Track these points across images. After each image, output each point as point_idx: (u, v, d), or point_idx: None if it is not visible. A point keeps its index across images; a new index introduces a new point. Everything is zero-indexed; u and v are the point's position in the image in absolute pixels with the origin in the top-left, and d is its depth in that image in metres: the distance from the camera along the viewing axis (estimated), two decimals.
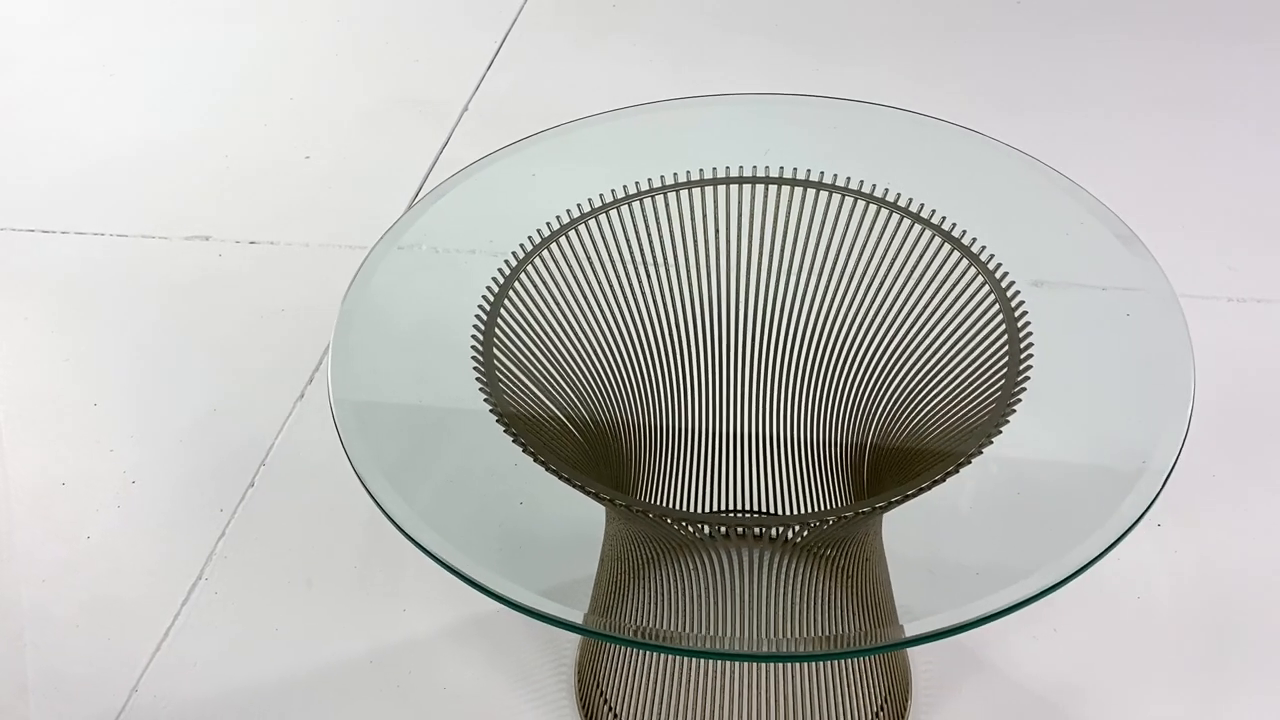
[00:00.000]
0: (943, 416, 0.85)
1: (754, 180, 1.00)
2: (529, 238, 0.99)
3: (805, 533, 0.85)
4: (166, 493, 1.43)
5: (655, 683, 1.03)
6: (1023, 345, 0.83)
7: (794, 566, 1.03)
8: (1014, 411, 0.80)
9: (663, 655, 1.01)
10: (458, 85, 2.16)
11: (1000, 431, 0.79)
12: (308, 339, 1.62)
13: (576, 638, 1.20)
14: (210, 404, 1.54)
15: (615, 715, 1.08)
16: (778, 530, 0.93)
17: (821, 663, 0.98)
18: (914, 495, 0.79)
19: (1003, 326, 0.85)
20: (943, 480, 0.79)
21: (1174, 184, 1.78)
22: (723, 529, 0.96)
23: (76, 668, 1.24)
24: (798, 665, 0.97)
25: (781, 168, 1.01)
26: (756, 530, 0.96)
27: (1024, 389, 0.82)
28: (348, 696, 1.20)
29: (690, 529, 0.86)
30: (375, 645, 1.24)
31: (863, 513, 0.79)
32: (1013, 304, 0.86)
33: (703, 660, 0.98)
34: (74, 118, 2.15)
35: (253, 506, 1.40)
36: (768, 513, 1.08)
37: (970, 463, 0.79)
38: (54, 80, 2.27)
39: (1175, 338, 0.84)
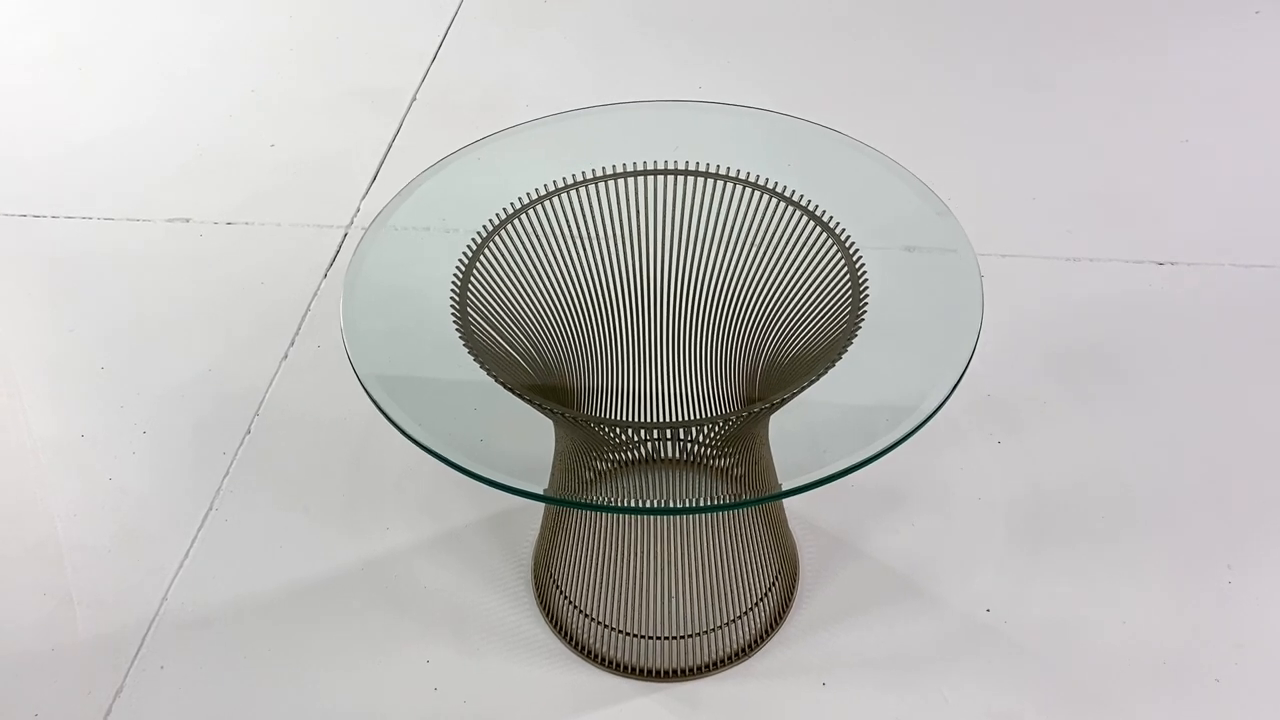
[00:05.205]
0: (805, 345, 1.14)
1: (666, 172, 1.27)
2: (494, 215, 1.24)
3: (708, 431, 1.12)
4: (175, 441, 1.66)
5: (595, 568, 1.31)
6: (860, 294, 1.12)
7: (700, 465, 1.31)
8: (850, 345, 1.09)
9: (602, 544, 1.28)
10: (406, 77, 2.39)
11: (839, 358, 1.08)
12: (287, 306, 1.86)
13: (533, 543, 1.48)
14: (205, 365, 1.78)
15: (565, 596, 1.36)
16: (686, 430, 1.18)
17: (726, 541, 1.27)
18: (787, 400, 1.08)
19: (847, 278, 1.13)
20: (801, 391, 1.07)
21: (1021, 162, 2.09)
22: (638, 431, 1.21)
23: (114, 584, 1.49)
24: (708, 544, 1.26)
25: (687, 161, 1.28)
26: (670, 431, 1.23)
27: (859, 329, 1.11)
28: (345, 596, 1.45)
29: (615, 433, 1.13)
30: (365, 557, 1.50)
31: (741, 418, 1.08)
32: (855, 261, 1.15)
33: (632, 544, 1.26)
34: (48, 111, 2.34)
35: (252, 449, 1.64)
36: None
37: (824, 374, 1.07)
38: (27, 75, 2.45)
39: (972, 289, 1.13)
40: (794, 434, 1.22)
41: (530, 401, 1.08)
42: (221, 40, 2.53)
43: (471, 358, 1.13)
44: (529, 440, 1.24)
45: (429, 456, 1.32)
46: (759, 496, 1.17)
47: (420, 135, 2.23)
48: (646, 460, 1.38)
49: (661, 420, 1.34)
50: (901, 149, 1.47)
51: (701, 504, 1.03)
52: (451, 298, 1.18)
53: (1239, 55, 2.31)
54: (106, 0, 2.66)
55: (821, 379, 1.10)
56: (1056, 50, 2.36)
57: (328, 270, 1.93)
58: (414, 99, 2.33)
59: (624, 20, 2.52)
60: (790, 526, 1.47)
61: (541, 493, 1.04)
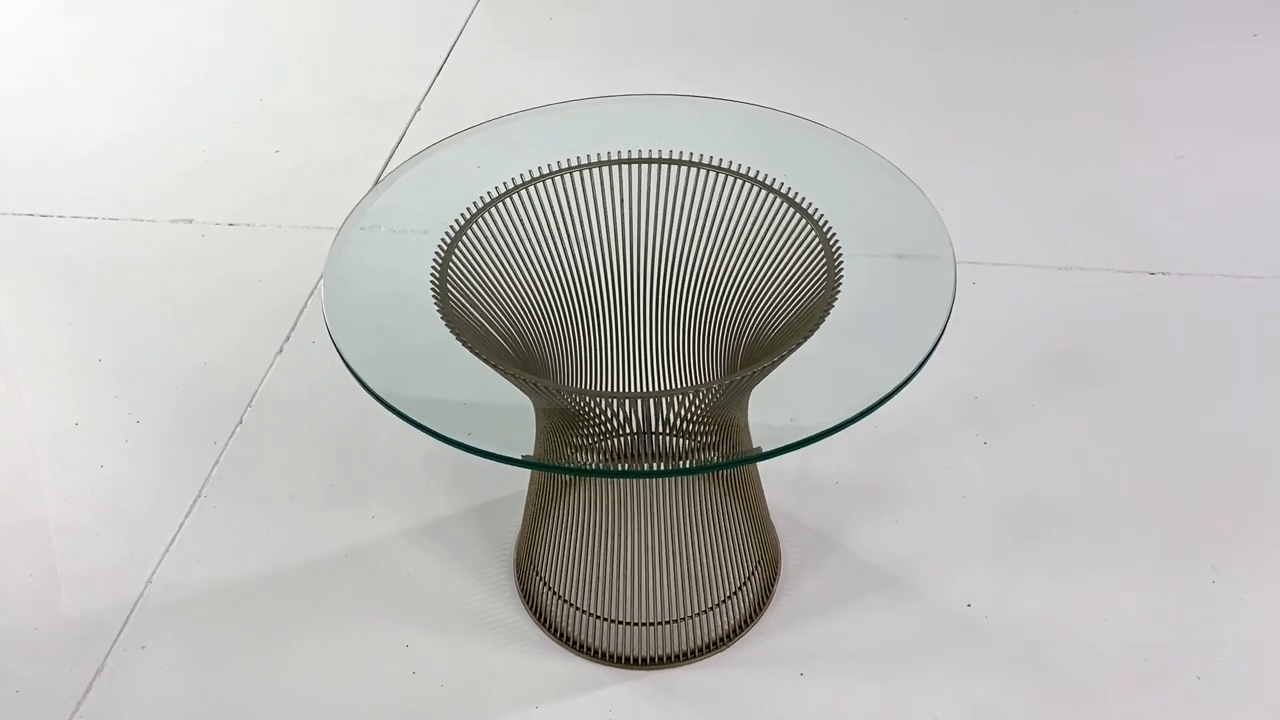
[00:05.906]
0: (783, 325, 1.16)
1: (651, 161, 1.29)
2: (478, 199, 1.26)
3: (682, 402, 1.13)
4: (167, 430, 1.68)
5: (575, 553, 1.31)
6: (836, 276, 1.13)
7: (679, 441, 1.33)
8: (823, 320, 1.10)
9: (581, 528, 1.29)
10: (411, 88, 2.43)
11: (811, 335, 1.09)
12: (284, 304, 1.89)
13: (516, 533, 1.48)
14: (201, 358, 1.80)
15: (545, 582, 1.37)
16: (659, 401, 1.17)
17: (705, 526, 1.27)
18: (758, 376, 1.09)
19: (824, 261, 1.14)
20: (775, 366, 1.09)
21: (1016, 173, 2.10)
22: (612, 402, 1.22)
23: (100, 566, 1.50)
24: (687, 528, 1.26)
25: (672, 150, 1.30)
26: (644, 402, 1.23)
27: (832, 306, 1.12)
28: (327, 582, 1.46)
29: (588, 403, 1.13)
30: (349, 544, 1.51)
31: (716, 388, 1.09)
32: (831, 245, 1.16)
33: (612, 531, 1.27)
34: (61, 115, 2.39)
35: (242, 439, 1.66)
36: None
37: (792, 353, 1.09)
38: (37, 78, 2.50)
39: (946, 286, 1.14)
40: (776, 427, 1.22)
41: (504, 373, 1.10)
42: (231, 49, 2.58)
43: (453, 334, 1.14)
44: (513, 436, 1.25)
45: (415, 448, 1.32)
46: (730, 460, 1.17)
47: (423, 144, 2.26)
48: (625, 455, 1.38)
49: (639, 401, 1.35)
50: (897, 156, 1.48)
51: (673, 467, 1.04)
52: (431, 278, 1.20)
53: (1235, 75, 2.32)
54: (118, 6, 2.71)
55: (801, 377, 1.11)
56: (1055, 64, 2.38)
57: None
58: (418, 109, 2.37)
59: (629, 36, 2.55)
60: (774, 521, 1.47)
61: (520, 458, 1.05)
